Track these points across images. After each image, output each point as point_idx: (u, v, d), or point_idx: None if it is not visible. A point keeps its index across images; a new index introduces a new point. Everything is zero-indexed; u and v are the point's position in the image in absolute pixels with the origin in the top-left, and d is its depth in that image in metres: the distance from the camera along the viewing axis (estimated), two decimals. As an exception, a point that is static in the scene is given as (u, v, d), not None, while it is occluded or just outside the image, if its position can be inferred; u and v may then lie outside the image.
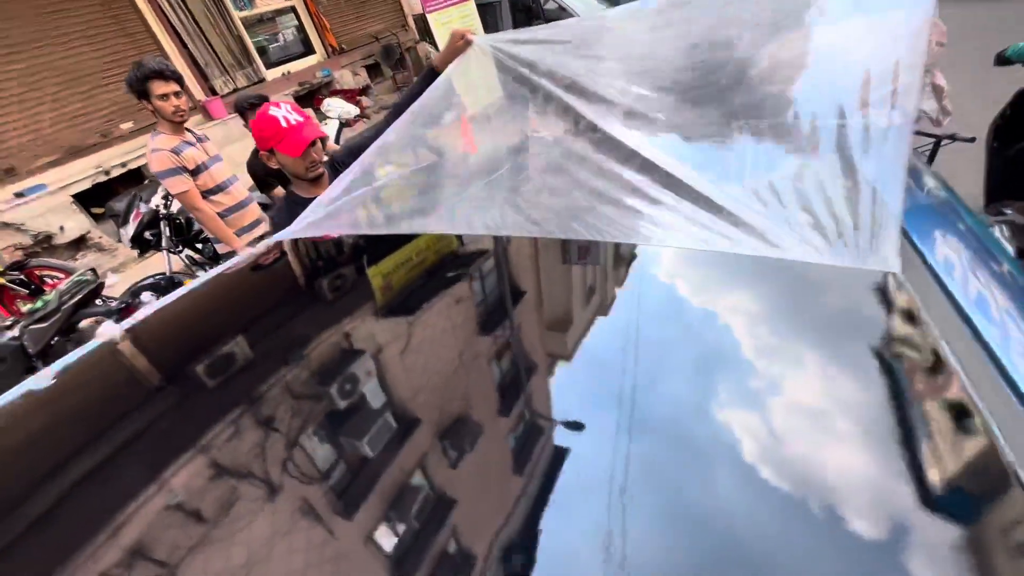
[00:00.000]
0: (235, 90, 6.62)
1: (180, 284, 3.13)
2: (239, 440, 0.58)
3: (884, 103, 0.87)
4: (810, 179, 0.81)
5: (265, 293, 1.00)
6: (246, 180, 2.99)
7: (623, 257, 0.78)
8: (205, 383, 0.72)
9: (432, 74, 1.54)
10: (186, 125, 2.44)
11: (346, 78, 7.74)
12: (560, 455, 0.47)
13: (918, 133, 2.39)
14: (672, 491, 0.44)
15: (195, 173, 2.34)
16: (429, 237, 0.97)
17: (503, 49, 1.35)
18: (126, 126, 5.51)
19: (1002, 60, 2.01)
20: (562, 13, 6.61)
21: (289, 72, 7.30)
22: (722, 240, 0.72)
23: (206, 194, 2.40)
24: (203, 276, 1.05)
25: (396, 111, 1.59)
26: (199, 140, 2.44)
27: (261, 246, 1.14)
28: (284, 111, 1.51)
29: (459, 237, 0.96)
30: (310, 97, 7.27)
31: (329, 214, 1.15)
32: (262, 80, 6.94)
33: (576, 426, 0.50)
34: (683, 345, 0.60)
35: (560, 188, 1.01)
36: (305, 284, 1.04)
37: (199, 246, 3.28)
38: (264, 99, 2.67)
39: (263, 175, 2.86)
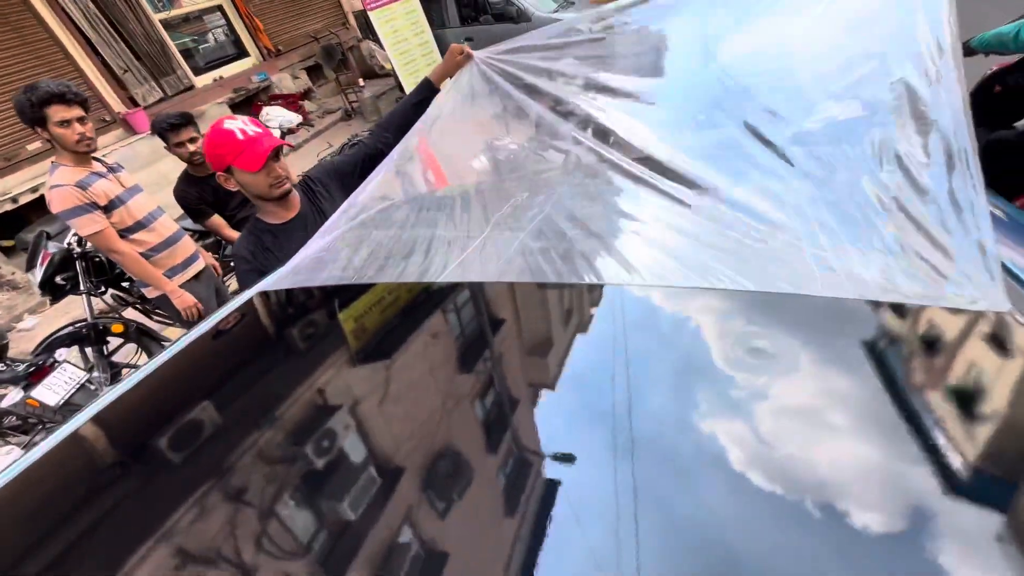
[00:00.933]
0: (161, 99, 6.06)
1: (107, 331, 2.77)
2: (206, 522, 0.54)
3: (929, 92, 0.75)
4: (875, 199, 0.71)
5: (236, 353, 0.92)
6: (176, 211, 2.66)
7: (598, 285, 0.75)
8: (170, 463, 0.66)
9: (428, 86, 1.49)
10: (95, 154, 2.10)
11: (285, 82, 7.25)
12: (553, 489, 0.46)
13: None
14: (675, 513, 0.42)
15: (108, 209, 2.02)
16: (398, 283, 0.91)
17: (504, 60, 1.30)
18: (33, 147, 4.91)
19: (967, 51, 1.99)
20: (508, 7, 6.42)
21: (222, 77, 6.75)
22: (787, 281, 0.64)
23: (125, 233, 2.07)
24: (171, 349, 0.92)
25: (385, 125, 1.55)
26: (111, 170, 2.11)
27: (240, 299, 1.01)
28: (240, 123, 1.30)
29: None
30: (248, 104, 6.76)
31: (319, 260, 1.03)
32: (191, 87, 6.38)
33: (567, 458, 0.49)
34: (670, 358, 0.59)
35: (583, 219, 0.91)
36: (275, 337, 0.96)
37: (126, 284, 2.90)
38: (187, 117, 2.36)
39: (196, 203, 2.53)
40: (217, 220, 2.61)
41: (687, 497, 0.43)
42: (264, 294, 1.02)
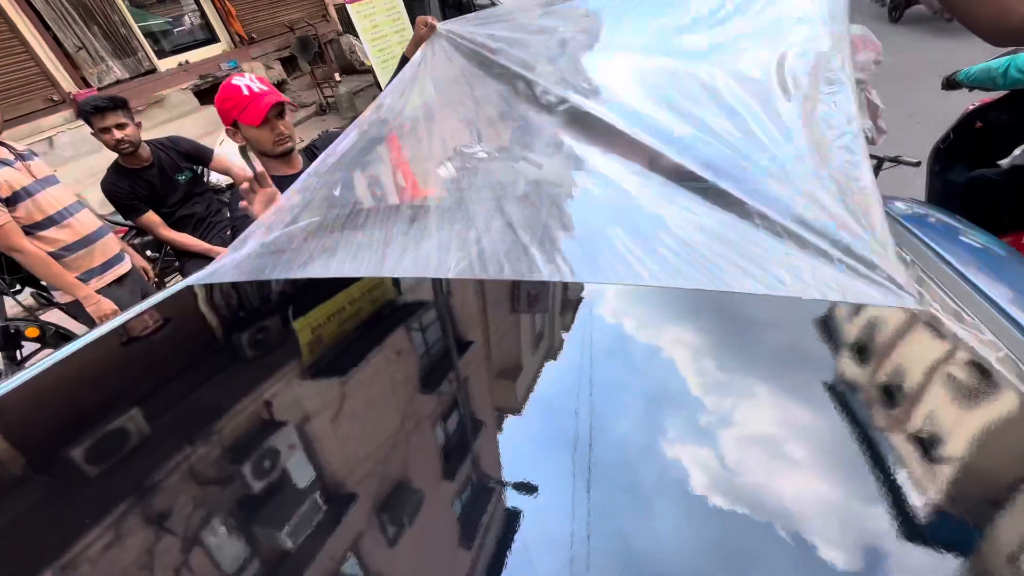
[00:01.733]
0: (118, 82, 5.69)
1: (19, 335, 2.48)
2: (120, 547, 0.48)
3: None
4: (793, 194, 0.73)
5: (167, 353, 0.86)
6: (104, 207, 2.40)
7: (570, 300, 0.74)
8: (79, 474, 0.61)
9: (402, 63, 1.50)
10: (2, 139, 1.85)
11: (257, 72, 6.94)
12: (513, 518, 0.44)
13: None
14: (634, 544, 0.41)
15: (12, 202, 1.77)
16: (365, 284, 0.86)
17: (467, 32, 1.26)
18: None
19: (951, 84, 1.93)
20: (492, 7, 6.28)
21: (187, 62, 6.40)
22: (716, 278, 0.65)
23: (32, 229, 1.83)
24: (87, 336, 0.87)
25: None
26: (20, 157, 1.86)
27: (172, 291, 0.97)
28: (247, 80, 1.42)
29: (396, 284, 0.87)
30: (213, 92, 6.43)
31: (261, 253, 0.96)
32: (152, 71, 6.02)
33: (528, 488, 0.46)
34: (642, 384, 0.58)
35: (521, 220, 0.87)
36: (218, 339, 0.89)
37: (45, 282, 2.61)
38: (117, 101, 2.11)
39: (127, 198, 2.27)
40: (152, 218, 2.36)
41: (647, 525, 0.43)
42: (207, 288, 0.96)
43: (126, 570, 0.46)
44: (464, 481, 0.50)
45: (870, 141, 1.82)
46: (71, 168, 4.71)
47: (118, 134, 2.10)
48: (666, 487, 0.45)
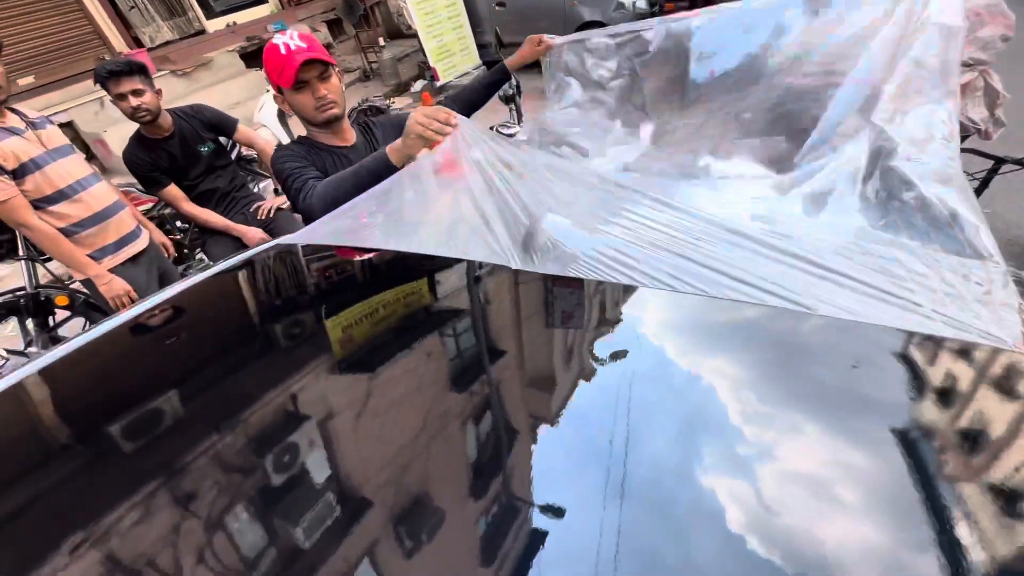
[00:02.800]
0: (168, 42, 5.68)
1: (49, 302, 2.47)
2: (144, 525, 0.48)
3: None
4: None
5: (208, 327, 0.89)
6: (125, 179, 2.30)
7: (608, 320, 0.72)
8: (103, 449, 0.62)
9: (503, 70, 1.52)
10: (15, 105, 1.74)
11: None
12: (540, 534, 0.43)
13: (969, 151, 1.96)
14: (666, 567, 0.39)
15: (19, 175, 1.66)
16: (401, 291, 0.88)
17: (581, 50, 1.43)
18: None
19: None
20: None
21: (235, 23, 6.32)
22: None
23: (41, 203, 1.72)
24: (142, 305, 0.89)
25: (455, 98, 1.52)
26: (32, 126, 1.75)
27: (258, 250, 1.03)
28: (287, 37, 1.21)
29: (433, 292, 0.87)
30: (259, 54, 6.35)
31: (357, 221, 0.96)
32: (201, 32, 5.98)
33: (556, 511, 0.45)
34: (681, 409, 0.55)
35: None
36: (249, 329, 0.89)
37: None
38: (134, 66, 1.96)
39: (147, 170, 2.16)
40: (174, 191, 2.25)
41: (677, 552, 0.41)
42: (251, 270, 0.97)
43: (147, 550, 0.47)
44: (492, 492, 0.48)
45: (983, 134, 1.59)
46: (120, 129, 4.76)
47: (134, 101, 1.96)
48: (700, 518, 0.42)
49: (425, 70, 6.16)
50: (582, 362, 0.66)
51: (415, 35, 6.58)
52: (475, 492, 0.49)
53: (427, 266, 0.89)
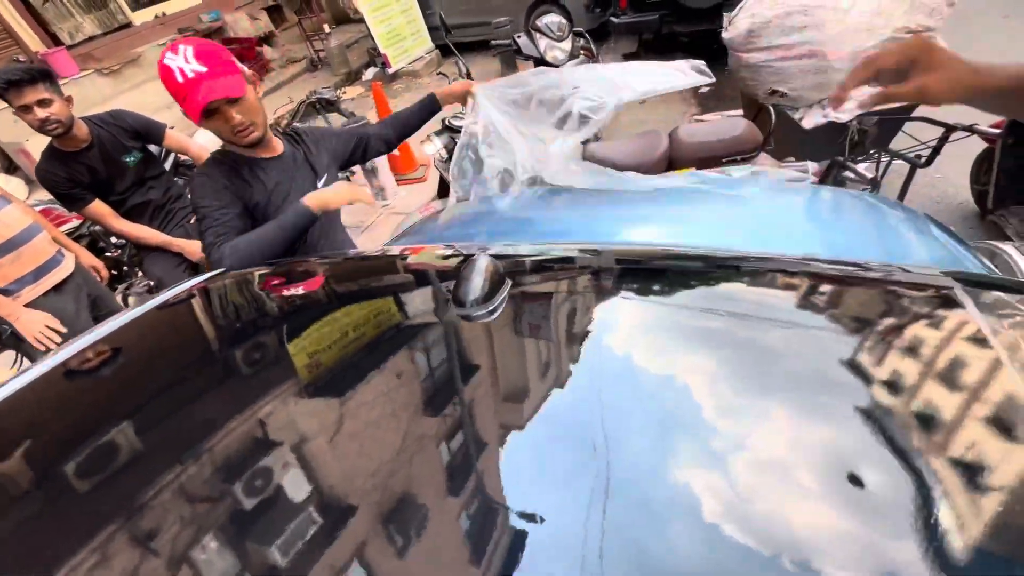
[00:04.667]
0: (91, 38, 5.24)
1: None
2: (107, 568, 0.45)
3: None
4: None
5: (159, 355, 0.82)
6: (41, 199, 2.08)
7: (576, 335, 0.71)
8: (65, 487, 0.57)
9: (434, 100, 1.59)
10: None
11: (241, 23, 6.37)
12: (519, 547, 0.42)
13: (920, 119, 1.98)
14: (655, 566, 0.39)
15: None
16: (370, 309, 0.85)
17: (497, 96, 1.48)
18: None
19: None
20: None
21: (164, 14, 5.88)
22: None
23: (-63, 235, 1.53)
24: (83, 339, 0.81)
25: (390, 124, 1.59)
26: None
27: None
28: (182, 59, 1.05)
29: (403, 311, 0.84)
30: (195, 48, 5.94)
31: None
32: (127, 25, 5.53)
33: (532, 517, 0.44)
34: (653, 406, 0.55)
35: None
36: (209, 347, 0.84)
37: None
38: (36, 73, 1.75)
39: (66, 186, 1.96)
40: (99, 207, 2.04)
41: (662, 546, 0.41)
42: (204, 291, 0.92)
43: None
44: (475, 498, 0.48)
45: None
46: (41, 143, 4.38)
47: (41, 112, 1.76)
48: (680, 511, 0.43)
49: (375, 57, 5.89)
50: (558, 366, 0.66)
51: (362, 20, 6.28)
52: (453, 500, 0.48)
53: (389, 282, 0.88)
